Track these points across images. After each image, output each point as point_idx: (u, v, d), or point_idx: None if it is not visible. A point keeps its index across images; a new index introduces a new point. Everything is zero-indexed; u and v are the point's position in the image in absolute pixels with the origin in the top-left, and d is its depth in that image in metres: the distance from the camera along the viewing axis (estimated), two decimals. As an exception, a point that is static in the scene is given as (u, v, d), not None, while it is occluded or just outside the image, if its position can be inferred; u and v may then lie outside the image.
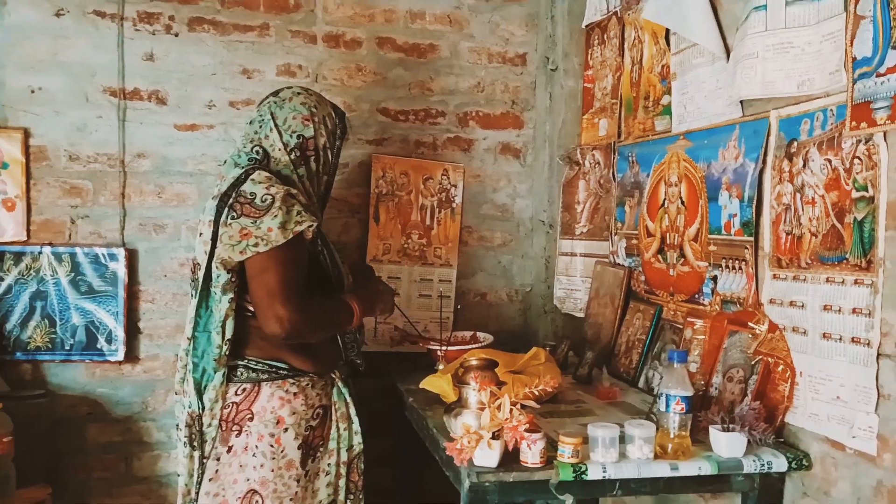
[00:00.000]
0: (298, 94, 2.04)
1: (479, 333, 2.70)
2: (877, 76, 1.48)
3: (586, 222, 2.83)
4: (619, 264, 2.60)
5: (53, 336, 2.58)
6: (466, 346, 2.44)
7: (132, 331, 2.66)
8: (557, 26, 3.00)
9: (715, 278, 2.04)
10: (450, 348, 2.40)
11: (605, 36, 2.71)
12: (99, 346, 2.61)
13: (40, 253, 2.57)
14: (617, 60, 2.62)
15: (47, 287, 2.57)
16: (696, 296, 2.13)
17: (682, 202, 2.21)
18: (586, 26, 2.82)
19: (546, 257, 3.09)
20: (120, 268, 2.62)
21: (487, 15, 2.99)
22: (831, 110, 1.63)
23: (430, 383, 2.10)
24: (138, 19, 2.63)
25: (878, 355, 1.49)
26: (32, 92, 2.58)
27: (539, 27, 3.06)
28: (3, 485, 2.17)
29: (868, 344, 1.52)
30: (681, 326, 2.17)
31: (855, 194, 1.56)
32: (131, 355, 2.66)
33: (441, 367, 2.34)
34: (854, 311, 1.56)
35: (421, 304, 2.91)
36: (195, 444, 1.86)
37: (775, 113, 1.81)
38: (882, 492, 1.49)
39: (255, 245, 1.77)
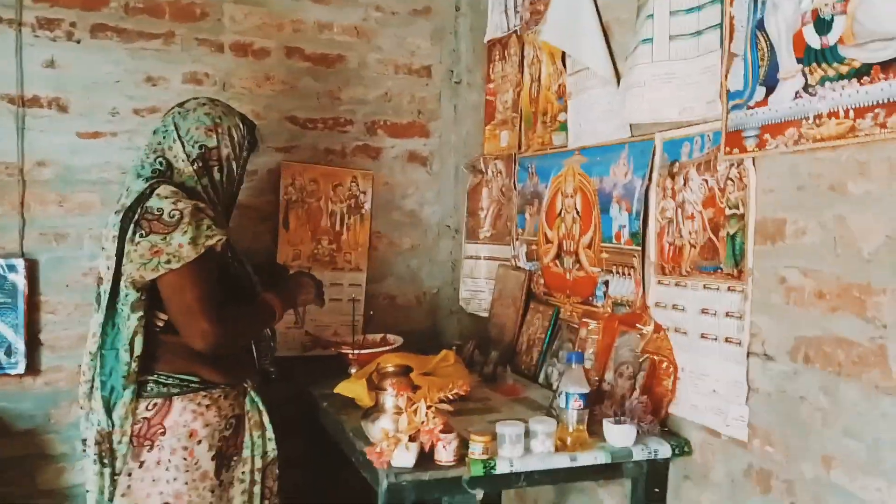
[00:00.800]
0: (203, 104, 2.04)
1: (389, 336, 2.79)
2: (747, 108, 1.67)
3: (490, 227, 2.98)
4: (520, 268, 2.76)
5: (-51, 350, 2.49)
6: (378, 350, 2.52)
7: (33, 343, 2.59)
8: (461, 41, 3.14)
9: (607, 283, 2.23)
10: (362, 352, 2.48)
11: (506, 52, 2.86)
12: (-3, 359, 2.53)
13: (-66, 264, 2.48)
14: (517, 76, 2.78)
15: (-58, 299, 2.48)
16: (591, 298, 2.31)
17: (578, 212, 2.39)
18: (488, 42, 2.96)
19: (452, 261, 3.23)
20: (19, 279, 2.54)
21: (394, 28, 3.08)
22: (708, 136, 1.83)
23: (345, 388, 2.18)
24: (38, 25, 2.55)
25: (748, 353, 1.70)
26: (-78, 98, 2.47)
27: (444, 41, 3.18)
28: None
29: (739, 343, 1.72)
30: (577, 326, 2.35)
31: (728, 212, 1.77)
32: (32, 368, 2.59)
33: (353, 370, 2.41)
34: (727, 314, 1.76)
35: (331, 308, 2.94)
36: (105, 461, 1.86)
37: (660, 135, 2.00)
38: (751, 473, 1.70)
39: (168, 262, 1.79)
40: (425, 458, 1.70)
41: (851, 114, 1.44)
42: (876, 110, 1.39)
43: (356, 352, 2.49)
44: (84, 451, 1.96)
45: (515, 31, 2.78)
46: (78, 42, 2.61)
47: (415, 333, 3.05)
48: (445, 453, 1.67)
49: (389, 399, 1.81)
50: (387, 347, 2.59)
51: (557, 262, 2.51)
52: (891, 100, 1.36)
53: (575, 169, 2.40)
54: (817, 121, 1.50)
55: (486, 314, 2.92)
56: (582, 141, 2.37)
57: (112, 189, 2.60)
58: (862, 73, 1.41)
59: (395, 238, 3.15)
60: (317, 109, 2.97)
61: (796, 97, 1.55)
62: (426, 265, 3.22)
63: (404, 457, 1.65)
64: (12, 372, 2.55)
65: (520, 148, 2.76)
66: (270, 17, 2.88)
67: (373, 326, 2.97)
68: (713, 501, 1.81)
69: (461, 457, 1.71)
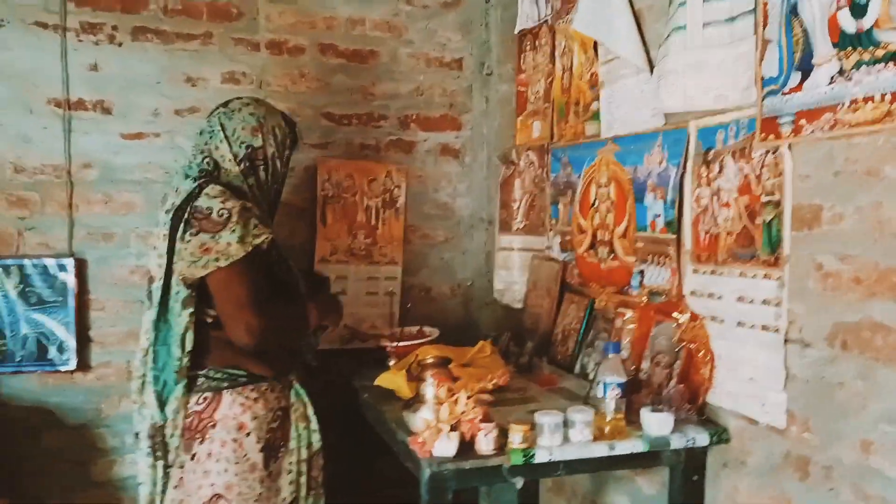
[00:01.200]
0: (247, 104, 2.09)
1: (425, 328, 2.82)
2: (782, 94, 1.67)
3: (523, 219, 3.00)
4: (554, 258, 2.77)
5: (3, 348, 2.59)
6: (416, 342, 2.56)
7: (83, 339, 2.69)
8: (491, 33, 3.15)
9: (642, 272, 2.23)
10: (400, 344, 2.52)
11: (537, 43, 2.87)
12: (50, 356, 2.63)
13: (-12, 265, 2.58)
14: (548, 66, 2.78)
15: (-5, 299, 2.58)
16: (626, 288, 2.32)
17: (612, 202, 2.39)
18: (518, 33, 2.96)
19: (486, 252, 3.25)
20: (69, 278, 2.64)
21: (424, 22, 3.11)
22: (743, 123, 1.82)
23: (385, 380, 2.22)
24: (81, 30, 2.64)
25: (786, 340, 1.70)
26: (-26, 104, 2.57)
27: (474, 33, 3.20)
28: (-37, 496, 2.20)
29: (777, 330, 1.72)
30: (612, 316, 2.35)
31: (764, 199, 1.76)
32: (83, 364, 2.69)
33: (392, 362, 2.45)
34: (764, 301, 1.76)
35: (368, 301, 3.03)
36: (158, 454, 1.92)
37: (694, 123, 2.00)
38: (790, 460, 1.70)
39: (217, 260, 1.83)
40: (466, 448, 1.72)
41: (888, 97, 1.42)
42: (913, 94, 1.38)
43: (394, 344, 2.53)
44: (136, 444, 2.02)
45: (546, 21, 2.78)
46: (120, 45, 2.70)
47: (450, 325, 3.08)
48: (486, 443, 1.70)
49: (430, 390, 1.85)
50: (424, 340, 2.62)
51: (592, 251, 2.51)
52: (928, 83, 1.35)
53: (608, 158, 2.41)
54: (853, 105, 1.49)
55: (520, 305, 2.94)
56: (615, 130, 2.37)
57: (155, 188, 2.68)
58: (898, 56, 1.40)
59: (428, 231, 3.19)
60: (351, 105, 3.02)
61: (832, 82, 1.54)
62: (459, 257, 3.25)
63: (446, 446, 1.68)
64: (64, 368, 2.66)
65: (552, 138, 2.77)
66: (304, 15, 2.93)
67: (409, 319, 3.01)
68: (752, 488, 1.82)
69: (501, 446, 1.73)
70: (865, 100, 1.47)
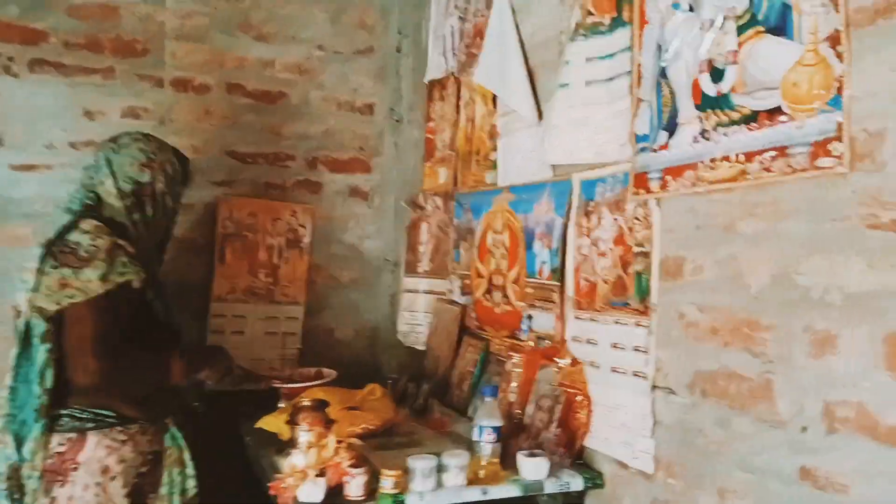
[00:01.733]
0: (137, 140, 2.06)
1: (323, 370, 2.78)
2: (652, 151, 1.75)
3: (428, 262, 3.02)
4: (455, 301, 2.80)
5: None
6: (307, 384, 2.52)
7: (-40, 376, 2.55)
8: (402, 80, 3.22)
9: (531, 317, 2.27)
10: (291, 385, 2.48)
11: (444, 93, 2.94)
12: (-79, 392, 2.48)
13: None
14: (454, 116, 2.85)
15: None
16: (517, 332, 2.35)
17: (506, 248, 2.44)
18: (428, 82, 3.03)
19: (391, 294, 3.26)
20: (-54, 311, 2.51)
21: (338, 66, 3.15)
22: (619, 177, 1.90)
23: (267, 423, 2.17)
24: (-27, 59, 2.59)
25: (653, 387, 1.75)
26: None
27: (386, 80, 3.26)
28: None
29: (645, 377, 1.77)
30: (504, 360, 2.39)
31: (635, 249, 1.83)
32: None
33: (282, 405, 2.41)
34: (635, 348, 1.81)
35: (266, 341, 2.98)
36: (16, 496, 1.83)
37: (577, 176, 2.07)
38: (657, 505, 1.74)
39: (72, 296, 1.78)
40: (336, 494, 1.70)
41: (742, 157, 1.51)
42: (763, 154, 1.46)
43: (283, 385, 2.49)
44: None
45: (453, 73, 2.86)
46: (16, 76, 2.63)
47: (353, 367, 3.05)
48: (354, 488, 1.68)
49: (303, 434, 1.82)
50: (316, 382, 2.59)
51: (488, 296, 2.55)
52: (775, 145, 1.44)
53: (503, 206, 2.46)
54: (712, 164, 1.58)
55: (423, 348, 2.94)
56: (510, 179, 2.43)
57: (46, 222, 2.58)
58: (751, 119, 1.50)
59: (334, 271, 3.19)
60: (258, 144, 3.02)
61: (694, 141, 1.63)
62: (365, 299, 3.25)
63: (312, 492, 1.65)
64: (-65, 405, 2.50)
65: (455, 184, 2.82)
66: (212, 54, 2.93)
67: (310, 360, 2.97)
68: (624, 534, 1.84)
69: (372, 492, 1.72)
70: (723, 158, 1.56)
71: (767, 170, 1.46)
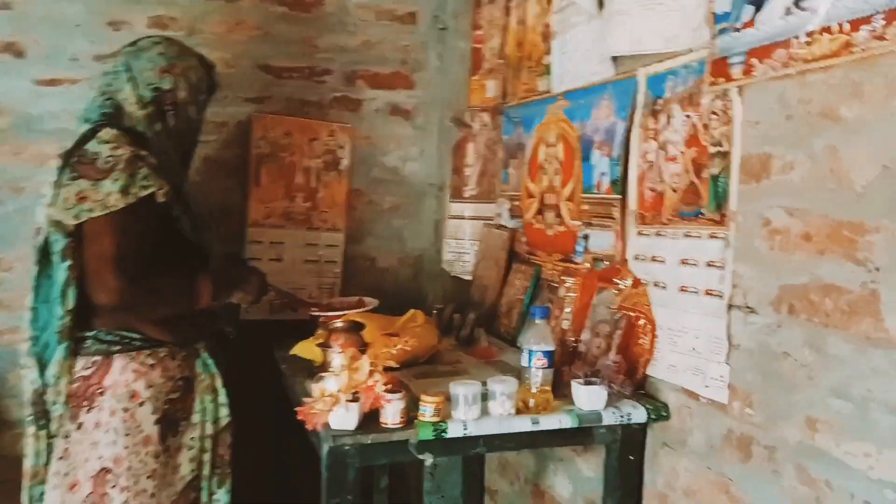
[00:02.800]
0: (157, 43, 1.91)
1: (364, 298, 2.64)
2: (734, 31, 1.49)
3: (475, 185, 2.81)
4: (503, 226, 2.59)
5: None
6: (347, 311, 2.37)
7: (-11, 302, 2.49)
8: (446, -15, 2.95)
9: (586, 237, 2.05)
10: (329, 313, 2.33)
11: (493, -6, 2.67)
12: (-48, 318, 2.43)
13: None
14: (504, 19, 2.59)
15: None
16: (571, 255, 2.14)
17: (560, 162, 2.21)
18: (475, -16, 2.77)
19: (436, 220, 3.06)
20: (-27, 234, 2.43)
21: (376, -30, 2.90)
22: (693, 66, 1.64)
23: (302, 349, 2.04)
24: (-8, -37, 2.43)
25: (729, 306, 1.52)
26: None
27: (429, -15, 3.00)
28: None
29: (720, 295, 1.55)
30: (557, 285, 2.18)
31: (711, 150, 1.58)
32: (-12, 328, 2.49)
33: (319, 332, 2.27)
34: (709, 264, 1.58)
35: (307, 269, 2.83)
36: (41, 422, 1.75)
37: (643, 70, 1.82)
38: (731, 439, 1.53)
39: (91, 210, 1.66)
40: (371, 421, 1.55)
41: (847, 27, 1.24)
42: (874, 20, 1.19)
43: (322, 312, 2.34)
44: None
45: (502, -29, 2.59)
46: (38, -18, 2.48)
47: (396, 297, 2.90)
48: (390, 414, 1.52)
49: (336, 357, 1.67)
50: (358, 310, 2.43)
51: (539, 217, 2.33)
52: (890, 6, 1.17)
53: (558, 115, 2.22)
54: (809, 38, 1.31)
55: (470, 277, 2.76)
56: (565, 84, 2.18)
57: (71, 139, 2.47)
58: (859, -22, 1.22)
59: (375, 197, 2.99)
60: (292, 57, 2.80)
61: (787, 13, 1.36)
62: (409, 225, 3.06)
63: (344, 418, 1.50)
64: (-34, 332, 2.45)
65: (505, 98, 2.58)
66: (243, -42, 2.71)
67: (351, 290, 2.83)
68: (691, 470, 1.65)
69: (410, 419, 1.56)
70: (822, 31, 1.29)
71: (880, 38, 1.18)
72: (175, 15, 2.64)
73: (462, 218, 2.86)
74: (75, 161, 1.70)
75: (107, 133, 1.73)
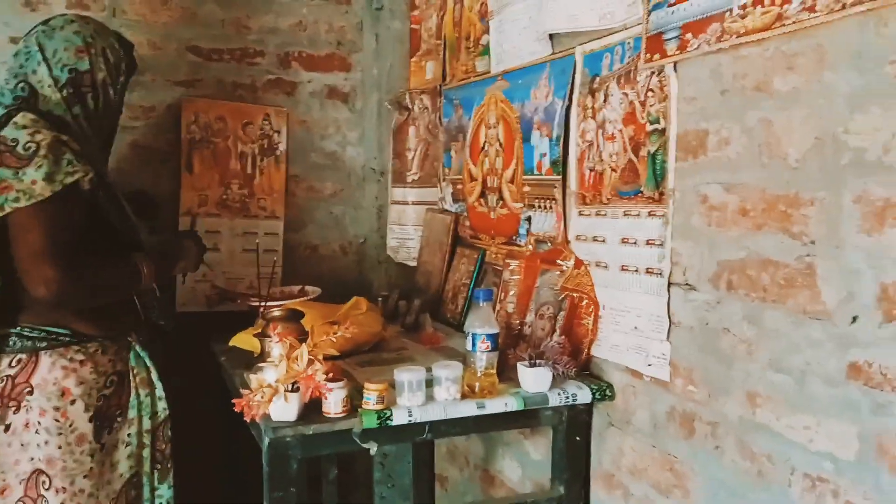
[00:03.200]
0: (72, 21, 1.80)
1: (307, 287, 2.58)
2: (668, 6, 1.48)
3: (417, 169, 2.77)
4: (446, 210, 2.56)
5: None
6: (287, 302, 2.31)
7: None
8: (381, -37, 2.89)
9: (529, 219, 2.03)
10: (269, 304, 2.26)
11: (429, -27, 2.62)
12: None
13: None
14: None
15: None
16: (514, 237, 2.12)
17: (501, 144, 2.18)
18: (410, -37, 2.72)
19: (378, 206, 3.01)
20: None
21: (308, -51, 2.82)
22: (629, 43, 1.63)
23: (240, 340, 1.98)
24: None
25: (669, 284, 1.53)
26: None
27: (363, -36, 2.93)
28: None
29: (660, 274, 1.55)
30: (501, 268, 2.16)
31: (649, 127, 1.58)
32: None
33: (258, 323, 2.20)
34: (648, 242, 1.58)
35: (246, 258, 2.75)
36: None
37: (580, 49, 1.80)
38: (675, 416, 1.54)
39: (17, 200, 1.57)
40: (313, 411, 1.51)
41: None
42: (804, -7, 1.19)
43: (263, 304, 2.27)
44: None
45: (437, -50, 2.54)
46: (-59, -39, 2.33)
47: (340, 285, 2.84)
48: (332, 404, 1.48)
49: (274, 347, 1.61)
50: (299, 299, 2.38)
51: (482, 200, 2.31)
52: (819, -22, 1.17)
53: (497, 96, 2.19)
54: (742, 10, 1.31)
55: (414, 263, 2.72)
56: (504, 64, 2.15)
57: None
58: (789, -48, 1.22)
59: (314, 182, 2.92)
60: (222, 39, 2.71)
61: (720, -13, 1.35)
62: (350, 212, 3.00)
63: (284, 409, 1.45)
64: None
65: (444, 80, 2.54)
66: (167, -64, 2.60)
67: (294, 279, 2.76)
68: (637, 449, 1.65)
69: (354, 408, 1.52)
70: (755, 3, 1.29)
71: (810, 9, 1.19)
72: (96, -6, 2.52)
73: (405, 203, 2.82)
74: None
75: (23, 118, 1.63)
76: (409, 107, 2.78)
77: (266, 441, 1.48)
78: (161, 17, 2.61)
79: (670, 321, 1.53)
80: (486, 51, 2.26)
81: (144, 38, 2.53)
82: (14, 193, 1.57)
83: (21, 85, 1.73)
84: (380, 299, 2.56)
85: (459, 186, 2.46)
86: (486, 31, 2.24)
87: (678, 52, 1.47)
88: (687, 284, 1.48)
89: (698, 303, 1.46)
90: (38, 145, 1.60)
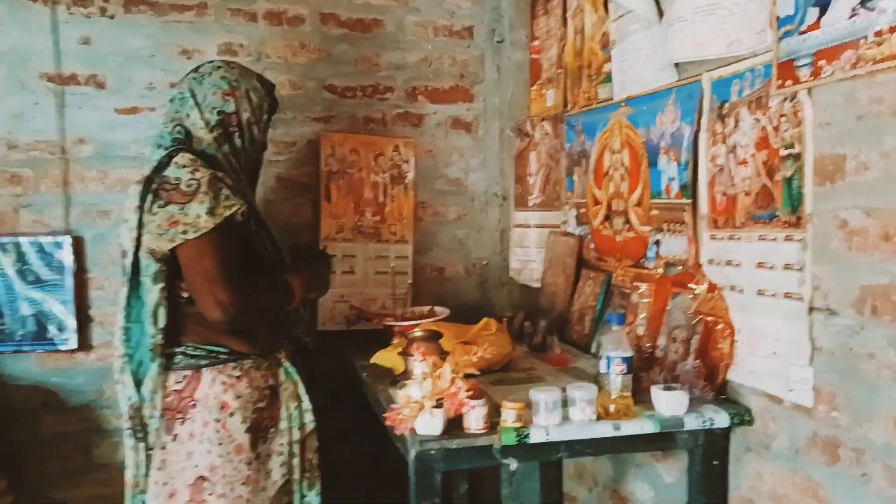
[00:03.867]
0: (218, 67, 1.98)
1: (436, 308, 2.70)
2: (799, 34, 1.49)
3: (539, 193, 2.84)
4: (570, 233, 2.61)
5: (2, 328, 2.53)
6: (421, 321, 2.43)
7: (83, 319, 2.63)
8: (502, -2, 3.00)
9: (658, 242, 2.06)
10: (404, 323, 2.40)
11: (549, 6, 2.71)
12: (50, 335, 2.57)
13: (-16, 244, 2.53)
14: (561, 30, 2.62)
15: (-7, 278, 2.54)
16: (642, 260, 2.15)
17: (626, 169, 2.23)
18: (531, -4, 2.82)
19: (501, 229, 3.10)
20: (66, 256, 2.57)
21: (432, -12, 2.97)
22: (759, 70, 1.65)
23: (381, 358, 2.11)
24: (72, 2, 2.57)
25: (810, 309, 1.52)
26: (-34, 82, 2.52)
27: (484, 0, 3.04)
28: (-46, 478, 2.15)
29: (800, 298, 1.54)
30: (628, 291, 2.19)
31: (783, 152, 1.58)
32: (84, 343, 2.63)
33: (396, 342, 2.33)
34: (786, 266, 1.58)
35: (378, 280, 2.91)
36: (139, 435, 1.85)
37: (707, 75, 1.83)
38: (817, 442, 1.52)
39: (185, 232, 1.74)
40: (454, 426, 1.60)
41: (917, 25, 1.24)
42: (948, 19, 1.19)
43: (397, 323, 2.41)
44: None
45: (558, -18, 2.62)
46: (112, 17, 2.62)
47: (465, 306, 2.95)
48: (474, 420, 1.56)
49: (417, 365, 1.72)
50: (430, 319, 2.50)
51: (607, 223, 2.35)
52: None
53: (621, 122, 2.24)
54: (878, 37, 1.31)
55: (537, 284, 2.79)
56: (627, 91, 2.20)
57: (149, 164, 2.59)
58: (930, -23, 1.22)
59: (440, 208, 3.05)
60: (355, 77, 2.89)
61: (852, 15, 1.36)
62: (474, 235, 3.11)
63: (430, 424, 1.55)
64: (64, 348, 2.60)
65: (566, 106, 2.61)
66: (303, -18, 2.81)
67: (421, 299, 2.89)
68: (777, 474, 1.64)
69: (493, 425, 1.60)
70: (891, 30, 1.29)
71: (957, 36, 1.18)
72: (242, 41, 2.75)
73: (527, 226, 2.90)
74: (158, 187, 1.78)
75: (182, 158, 1.81)
76: (531, 133, 2.87)
77: (412, 454, 1.57)
78: (300, 58, 2.82)
79: (812, 346, 1.52)
80: (608, 78, 2.31)
81: (285, 78, 2.74)
82: (182, 227, 1.75)
83: (178, 128, 1.91)
84: (504, 319, 2.63)
85: (583, 210, 2.51)
86: (608, 60, 2.30)
87: (811, 78, 1.47)
88: (828, 309, 1.48)
89: (840, 328, 1.45)
90: (198, 182, 1.77)
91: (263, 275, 1.95)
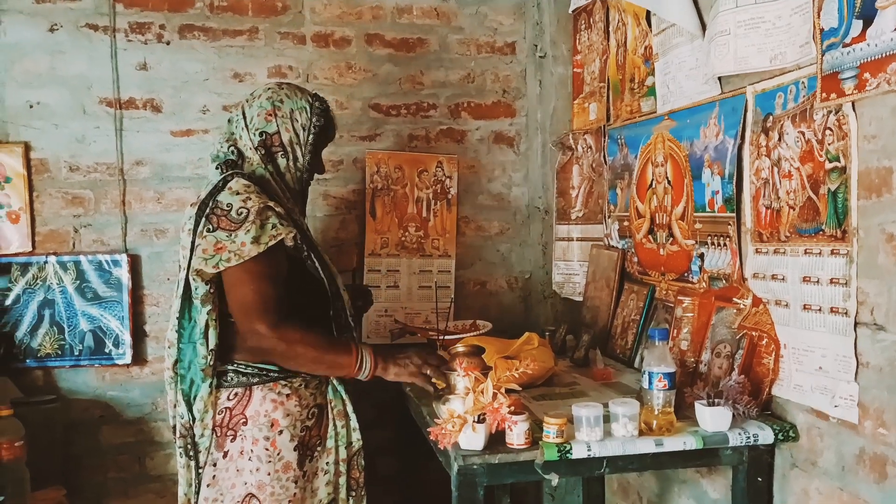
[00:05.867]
0: (268, 89, 2.02)
1: (478, 322, 2.73)
2: (843, 46, 1.48)
3: (581, 206, 2.85)
4: (613, 247, 2.61)
5: (62, 343, 2.66)
6: (464, 335, 2.46)
7: (139, 334, 2.73)
8: (544, 14, 3.02)
9: (702, 256, 2.05)
10: (447, 337, 2.43)
11: (591, 20, 2.72)
12: (107, 350, 2.68)
13: (46, 262, 2.66)
14: (603, 44, 2.64)
15: (54, 295, 2.66)
16: (686, 274, 2.14)
17: (669, 182, 2.22)
18: (573, 11, 2.83)
19: (543, 243, 3.11)
20: (124, 273, 2.68)
21: (474, 6, 3.01)
22: (803, 83, 1.64)
23: (425, 372, 2.12)
24: (130, 30, 2.70)
25: (856, 324, 1.50)
26: (31, 107, 2.65)
27: (526, 16, 3.08)
28: (17, 487, 2.23)
29: (846, 313, 1.52)
30: (672, 305, 2.18)
31: (828, 165, 1.57)
32: (139, 358, 2.73)
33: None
34: (832, 281, 1.56)
35: (421, 295, 2.95)
36: (190, 453, 1.88)
37: (751, 88, 1.82)
38: (864, 459, 1.50)
39: (228, 259, 1.78)
40: (496, 441, 1.61)
41: (966, 37, 1.23)
42: None
43: (441, 337, 2.44)
44: (175, 440, 1.97)
45: (599, -3, 2.64)
46: (168, 44, 2.73)
47: (507, 320, 2.97)
48: (515, 435, 1.58)
49: (459, 380, 1.74)
50: (474, 333, 2.52)
51: (650, 237, 2.34)
52: None
53: (664, 135, 2.24)
54: (925, 50, 1.30)
55: (580, 298, 2.79)
56: (670, 104, 2.20)
57: (204, 185, 2.68)
58: (978, -12, 1.20)
59: (482, 222, 3.08)
60: (399, 95, 2.96)
61: (900, 27, 1.35)
62: (516, 249, 3.13)
63: (472, 439, 1.57)
64: (120, 362, 2.70)
65: (608, 120, 2.62)
66: (349, 6, 2.89)
67: (464, 313, 2.92)
68: (824, 491, 1.62)
69: (535, 440, 1.61)
70: (939, 42, 1.27)
71: None
72: (291, 63, 2.84)
73: (570, 240, 2.90)
74: (210, 213, 1.83)
75: (237, 183, 1.85)
76: (573, 147, 2.88)
77: (455, 468, 1.59)
78: (346, 79, 2.89)
79: (858, 362, 1.50)
80: (651, 91, 2.31)
81: (333, 98, 2.78)
82: (227, 254, 1.78)
83: (231, 149, 1.96)
84: (546, 333, 2.64)
85: (626, 223, 2.51)
86: (651, 73, 2.30)
87: (856, 91, 1.46)
88: (875, 324, 1.46)
89: (887, 343, 1.43)
90: (248, 211, 1.80)
91: (320, 299, 1.97)
